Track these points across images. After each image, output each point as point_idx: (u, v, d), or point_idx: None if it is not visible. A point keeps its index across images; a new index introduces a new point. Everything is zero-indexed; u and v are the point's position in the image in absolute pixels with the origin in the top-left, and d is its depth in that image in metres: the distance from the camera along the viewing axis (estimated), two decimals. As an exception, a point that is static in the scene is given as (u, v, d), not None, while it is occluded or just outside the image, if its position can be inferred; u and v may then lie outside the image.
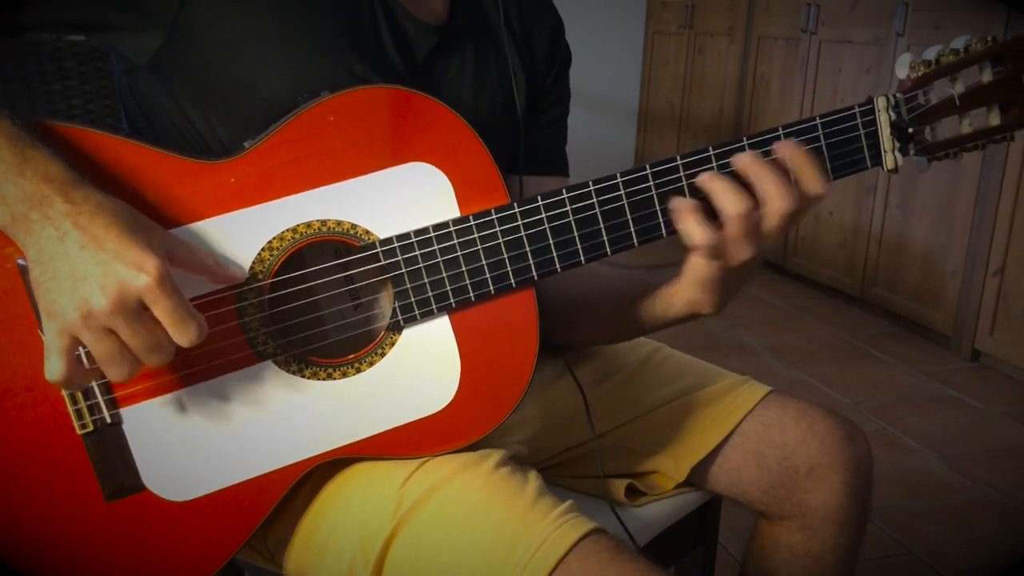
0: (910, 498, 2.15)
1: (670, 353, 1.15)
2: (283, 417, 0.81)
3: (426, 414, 0.84)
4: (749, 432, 1.04)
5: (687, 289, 0.90)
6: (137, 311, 0.70)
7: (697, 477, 1.07)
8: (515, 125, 1.00)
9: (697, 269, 0.87)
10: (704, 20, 4.41)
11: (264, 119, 0.81)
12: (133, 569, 0.80)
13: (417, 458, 0.85)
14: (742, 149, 0.84)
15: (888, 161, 0.87)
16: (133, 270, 0.69)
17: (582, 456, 1.08)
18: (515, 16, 1.01)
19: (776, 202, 0.81)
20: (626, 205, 0.84)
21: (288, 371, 0.81)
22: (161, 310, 0.70)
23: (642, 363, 1.12)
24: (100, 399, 0.78)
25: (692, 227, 0.82)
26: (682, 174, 0.84)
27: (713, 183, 0.82)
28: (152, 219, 0.75)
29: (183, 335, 0.71)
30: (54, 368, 0.71)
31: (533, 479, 0.85)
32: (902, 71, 0.87)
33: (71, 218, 0.70)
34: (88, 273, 0.69)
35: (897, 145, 0.87)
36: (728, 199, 0.81)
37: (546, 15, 1.06)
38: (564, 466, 1.09)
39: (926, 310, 3.16)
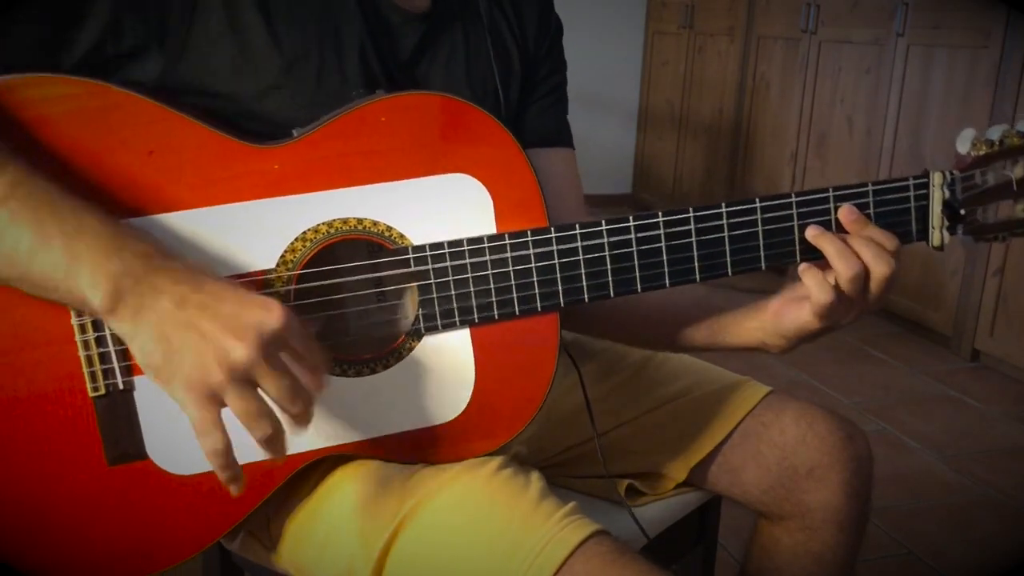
0: (910, 498, 2.15)
1: (670, 353, 1.15)
2: None
3: (434, 423, 0.84)
4: (749, 432, 1.05)
5: (770, 334, 0.91)
6: (276, 351, 0.71)
7: (697, 477, 1.07)
8: (509, 103, 0.99)
9: (794, 321, 0.88)
10: (704, 20, 4.41)
11: (260, 126, 0.81)
12: (124, 535, 0.81)
13: (412, 463, 0.85)
14: (788, 206, 0.84)
15: (935, 238, 0.86)
16: (262, 311, 0.70)
17: (582, 456, 1.09)
18: None
19: (879, 267, 0.84)
20: (664, 247, 0.83)
21: None
22: (297, 339, 0.72)
23: (643, 363, 1.12)
24: (116, 364, 0.78)
25: (820, 284, 0.83)
26: (724, 221, 0.84)
27: (830, 245, 0.83)
28: (192, 195, 0.77)
29: (315, 361, 0.73)
30: (214, 442, 0.70)
31: (536, 480, 0.85)
32: (963, 147, 0.85)
33: (184, 284, 0.70)
34: (220, 329, 0.69)
35: (946, 224, 0.86)
36: (843, 262, 0.83)
37: None
38: (564, 466, 1.09)
39: (926, 310, 3.16)
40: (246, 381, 0.70)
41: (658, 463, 1.07)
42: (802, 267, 0.84)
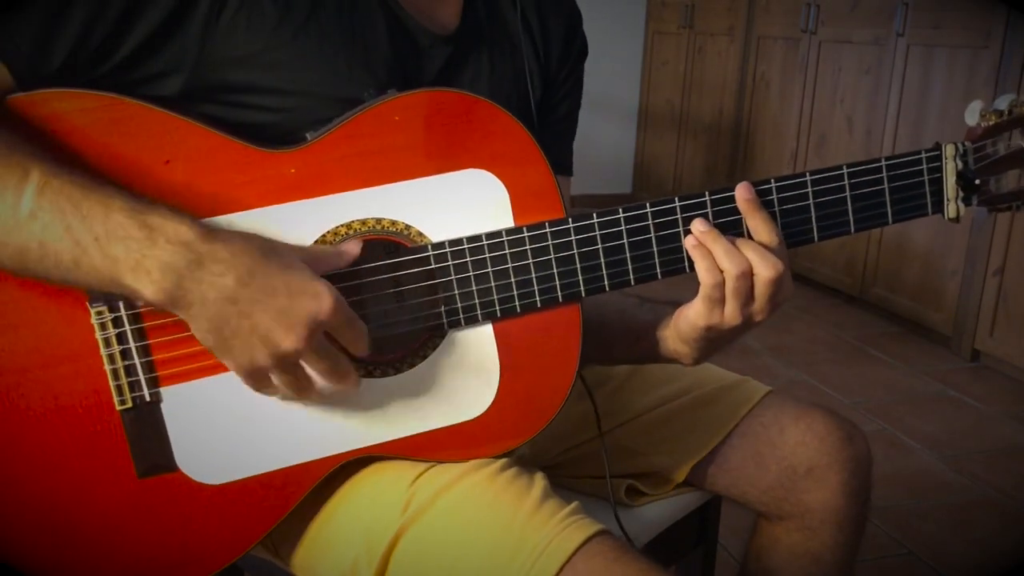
0: (910, 498, 2.16)
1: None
2: (319, 410, 0.82)
3: (460, 420, 0.85)
4: (748, 432, 1.05)
5: (676, 340, 0.91)
6: (323, 338, 0.74)
7: (696, 477, 1.07)
8: (530, 123, 0.98)
9: (687, 318, 0.87)
10: (704, 20, 4.41)
11: (278, 142, 0.80)
12: (156, 546, 0.81)
13: (442, 462, 0.86)
14: (804, 185, 0.84)
15: (950, 210, 0.87)
16: (314, 301, 0.73)
17: (582, 456, 1.09)
18: (532, 9, 0.99)
19: (763, 269, 0.83)
20: (681, 232, 0.84)
21: None
22: (344, 329, 0.75)
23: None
24: (141, 377, 0.78)
25: (707, 261, 0.83)
26: (736, 205, 0.84)
27: (716, 244, 0.83)
28: (210, 204, 0.77)
29: (361, 346, 0.77)
30: (272, 393, 0.78)
31: (539, 480, 0.85)
32: (972, 118, 0.86)
33: (231, 274, 0.72)
34: (272, 322, 0.72)
35: (961, 195, 0.86)
36: (730, 261, 0.83)
37: (563, 5, 1.04)
38: (564, 466, 1.09)
39: (926, 310, 3.16)
40: (294, 364, 0.74)
41: (658, 464, 1.07)
42: (689, 241, 0.84)
